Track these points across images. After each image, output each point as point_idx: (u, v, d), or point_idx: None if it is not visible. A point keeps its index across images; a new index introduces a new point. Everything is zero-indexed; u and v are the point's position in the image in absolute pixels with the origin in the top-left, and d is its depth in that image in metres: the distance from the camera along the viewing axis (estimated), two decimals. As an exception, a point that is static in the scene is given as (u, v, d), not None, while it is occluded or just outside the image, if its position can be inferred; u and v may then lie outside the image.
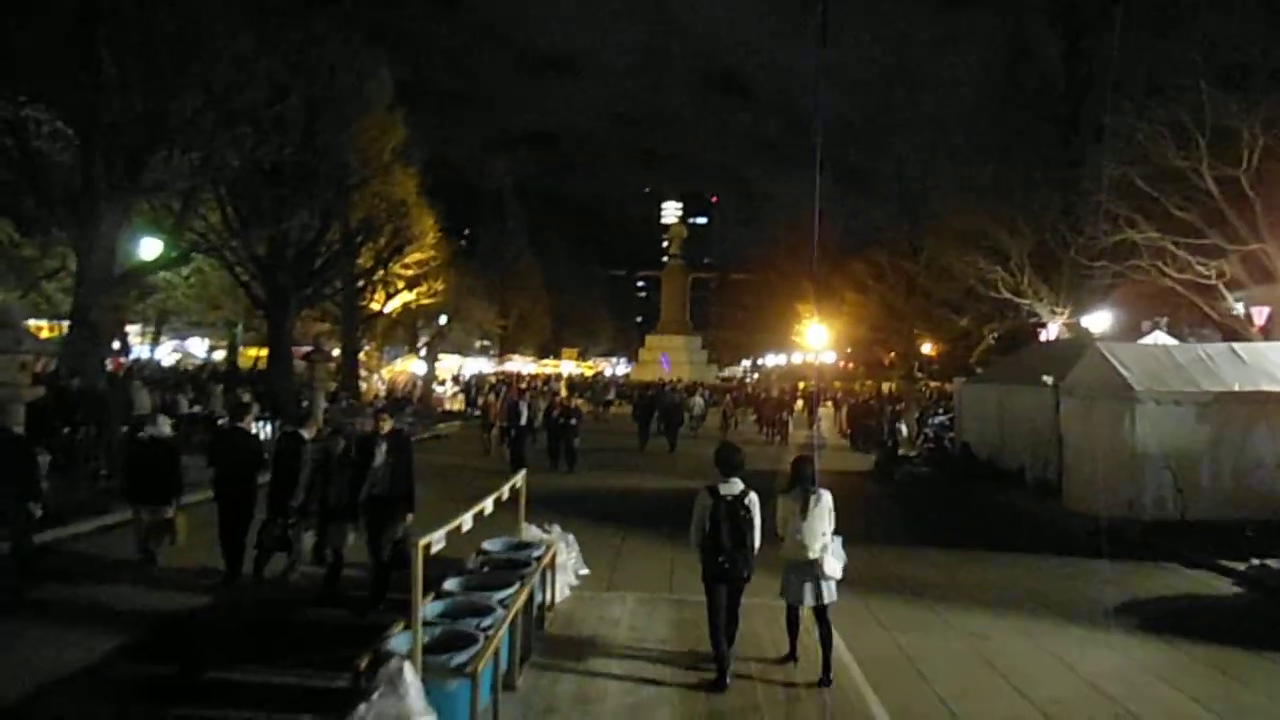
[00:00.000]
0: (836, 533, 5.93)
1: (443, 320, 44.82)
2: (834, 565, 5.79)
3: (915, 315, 41.68)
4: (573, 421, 16.96)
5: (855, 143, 42.88)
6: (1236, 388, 11.99)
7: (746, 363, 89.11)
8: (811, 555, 5.72)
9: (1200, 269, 15.39)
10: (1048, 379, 14.26)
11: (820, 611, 5.78)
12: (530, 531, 7.13)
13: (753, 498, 5.65)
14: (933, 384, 42.31)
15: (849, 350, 54.20)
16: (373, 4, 27.27)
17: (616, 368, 75.44)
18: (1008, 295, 23.62)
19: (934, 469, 17.92)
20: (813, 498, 5.80)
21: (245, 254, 24.87)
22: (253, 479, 8.13)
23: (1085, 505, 12.71)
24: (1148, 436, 11.84)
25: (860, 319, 47.10)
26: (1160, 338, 14.53)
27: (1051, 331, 23.54)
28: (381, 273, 32.29)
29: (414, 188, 32.34)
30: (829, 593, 5.77)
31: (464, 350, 55.77)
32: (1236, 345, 13.08)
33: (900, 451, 18.59)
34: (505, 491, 6.19)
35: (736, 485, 5.67)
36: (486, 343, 61.65)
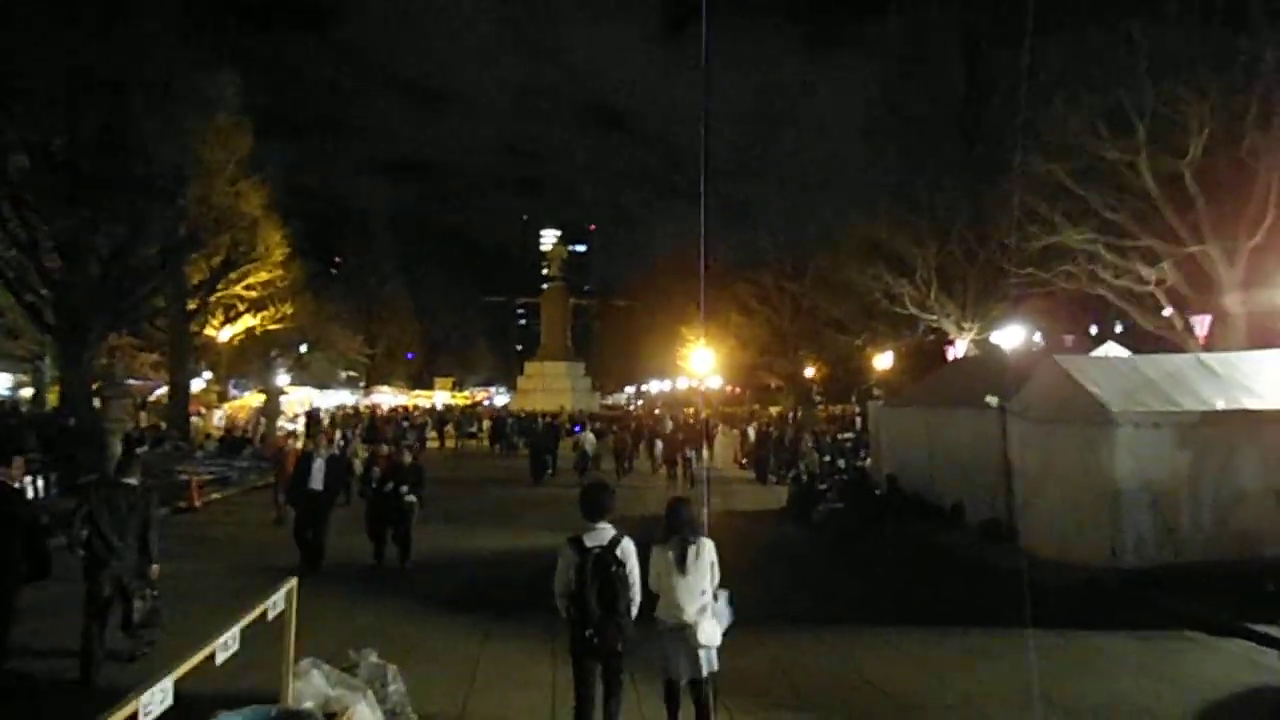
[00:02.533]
0: (724, 587, 5.11)
1: (303, 349, 40.70)
2: (711, 631, 4.87)
3: (801, 336, 40.75)
4: (404, 492, 10.07)
5: (732, 175, 42.66)
6: (1220, 406, 10.21)
7: (630, 389, 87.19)
8: (686, 618, 4.81)
9: (1142, 273, 13.82)
10: (992, 400, 12.22)
11: (696, 685, 4.88)
12: (310, 682, 4.11)
13: (626, 547, 4.70)
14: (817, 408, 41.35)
15: (734, 375, 52.95)
16: (226, 26, 23.96)
17: (496, 397, 71.72)
18: (913, 310, 22.03)
19: (853, 505, 15.67)
20: (691, 549, 4.92)
21: (31, 267, 20.64)
22: (9, 546, 6.19)
23: (1049, 550, 10.65)
24: (1128, 467, 9.85)
25: (746, 342, 46.04)
26: (1113, 349, 12.78)
27: (959, 348, 22.05)
28: (216, 293, 28.10)
29: (259, 202, 28.30)
30: (707, 663, 4.86)
31: (328, 382, 51.22)
32: (1205, 356, 11.39)
33: (817, 486, 16.26)
34: (228, 638, 3.19)
35: (605, 533, 4.74)
36: (353, 374, 57.20)
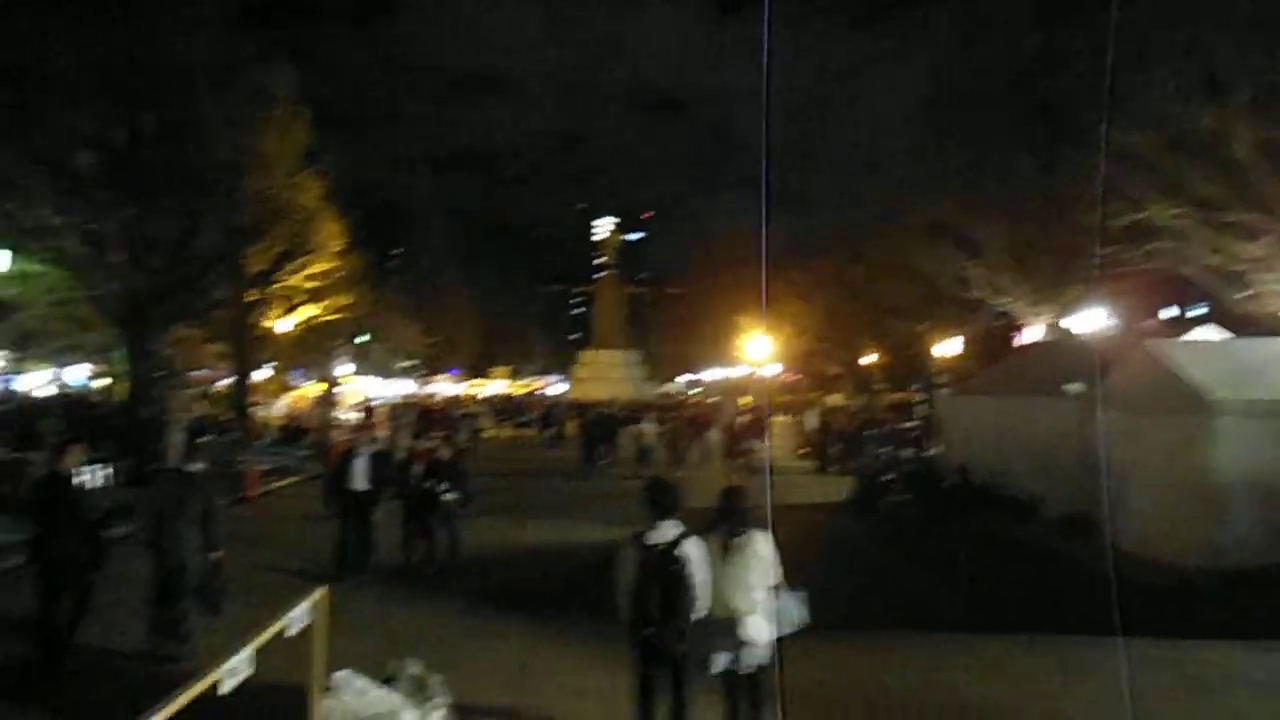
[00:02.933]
0: (795, 586, 4.82)
1: (365, 338, 41.29)
2: (757, 628, 4.58)
3: (861, 322, 39.80)
4: (443, 490, 9.46)
5: (788, 159, 41.76)
6: (1335, 393, 9.32)
7: (686, 377, 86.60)
8: (731, 611, 4.59)
9: (1240, 250, 12.81)
10: (1073, 387, 11.43)
11: (749, 680, 4.64)
12: (341, 699, 3.76)
13: (689, 547, 4.49)
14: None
15: (792, 363, 52.09)
16: (286, 24, 24.23)
17: (552, 386, 72.00)
18: (982, 294, 21.06)
19: (920, 498, 14.96)
20: (738, 539, 4.72)
21: (96, 257, 21.09)
22: (74, 540, 6.27)
23: (1139, 547, 9.88)
24: (1231, 459, 9.05)
25: (803, 329, 45.07)
26: (1209, 333, 11.85)
27: (1032, 333, 21.02)
28: (275, 284, 28.42)
29: (317, 193, 28.48)
30: (749, 657, 4.59)
31: (388, 371, 52.02)
32: (1315, 339, 10.46)
33: (882, 477, 15.58)
34: (238, 662, 2.84)
35: (669, 531, 4.54)
36: (414, 363, 58.03)
